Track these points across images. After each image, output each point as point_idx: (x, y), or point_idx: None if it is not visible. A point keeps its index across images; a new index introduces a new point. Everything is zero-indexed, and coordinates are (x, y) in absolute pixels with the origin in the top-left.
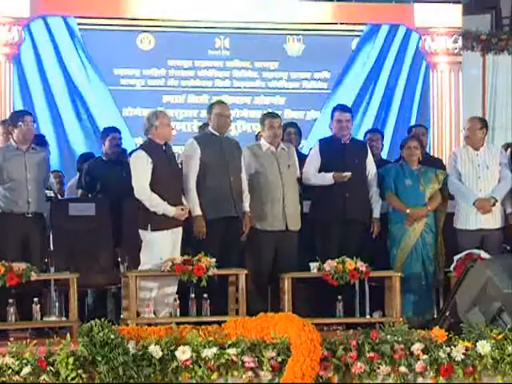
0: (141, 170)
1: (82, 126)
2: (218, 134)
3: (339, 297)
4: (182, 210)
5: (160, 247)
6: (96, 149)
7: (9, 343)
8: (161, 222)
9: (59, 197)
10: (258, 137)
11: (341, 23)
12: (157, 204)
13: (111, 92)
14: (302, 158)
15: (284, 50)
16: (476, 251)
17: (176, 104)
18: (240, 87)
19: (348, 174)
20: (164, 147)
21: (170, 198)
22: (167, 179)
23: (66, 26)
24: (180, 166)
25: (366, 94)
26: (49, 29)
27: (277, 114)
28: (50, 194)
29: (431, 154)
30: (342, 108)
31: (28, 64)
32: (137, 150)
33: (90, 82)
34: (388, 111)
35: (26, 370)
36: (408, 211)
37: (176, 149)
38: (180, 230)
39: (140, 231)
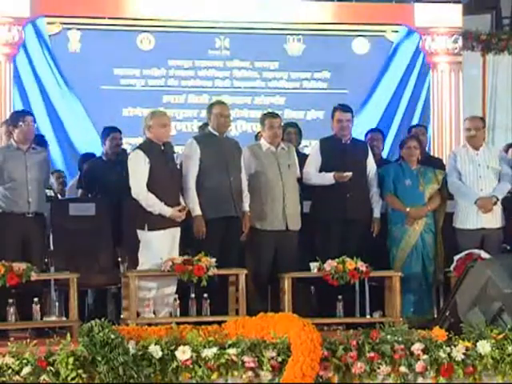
0: (138, 169)
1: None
2: (217, 133)
3: (339, 297)
4: (180, 211)
5: (157, 247)
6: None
7: (9, 343)
8: (157, 222)
9: (59, 197)
10: (257, 137)
11: (342, 23)
12: (153, 204)
13: (82, 100)
14: (303, 158)
15: (284, 49)
16: (476, 251)
17: (176, 104)
18: (240, 87)
19: (349, 174)
20: (163, 147)
21: (168, 198)
22: (165, 179)
23: (34, 29)
24: (179, 167)
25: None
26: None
27: (277, 114)
28: (50, 193)
29: (431, 153)
30: (342, 108)
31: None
32: (135, 149)
33: (60, 89)
34: (412, 115)
35: (26, 369)
36: (408, 210)
37: (176, 149)
38: (178, 229)
39: (138, 231)
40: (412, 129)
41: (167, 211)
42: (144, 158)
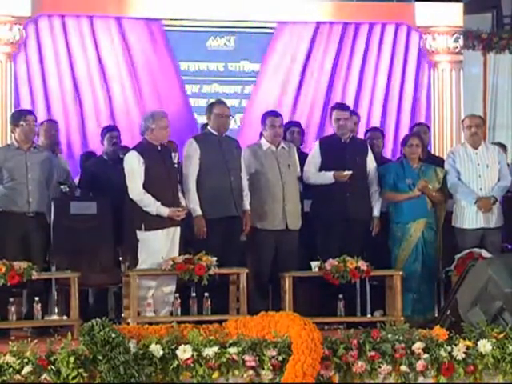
0: (133, 170)
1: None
2: (217, 133)
3: (340, 296)
4: (178, 211)
5: (154, 246)
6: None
7: (10, 342)
8: (154, 222)
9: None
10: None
11: (342, 22)
12: (149, 204)
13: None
14: (305, 158)
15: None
16: (477, 250)
17: None
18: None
19: (348, 172)
20: (159, 147)
21: (165, 198)
22: (161, 179)
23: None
24: (176, 166)
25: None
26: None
27: (278, 113)
28: (65, 188)
29: (432, 152)
30: (339, 107)
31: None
32: (130, 150)
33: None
34: (413, 114)
35: (27, 368)
36: (415, 190)
37: None
38: (177, 229)
39: (137, 231)
40: (414, 127)
41: (164, 211)
42: (138, 158)
